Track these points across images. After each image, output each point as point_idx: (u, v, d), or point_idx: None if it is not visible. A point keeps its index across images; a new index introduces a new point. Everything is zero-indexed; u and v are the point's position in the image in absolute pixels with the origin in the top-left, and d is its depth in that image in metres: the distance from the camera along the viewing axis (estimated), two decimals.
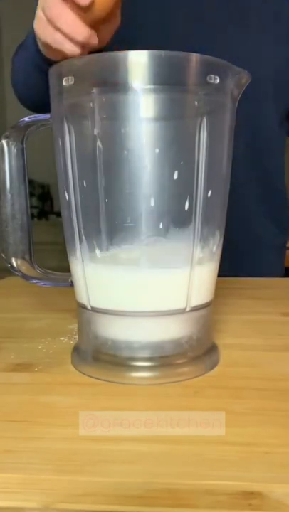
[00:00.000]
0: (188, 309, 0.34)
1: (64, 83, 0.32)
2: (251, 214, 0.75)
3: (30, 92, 0.62)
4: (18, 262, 0.38)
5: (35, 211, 3.02)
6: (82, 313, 0.36)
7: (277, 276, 0.77)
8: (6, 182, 0.37)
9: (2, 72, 3.01)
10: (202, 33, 0.66)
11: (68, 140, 0.33)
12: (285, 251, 0.84)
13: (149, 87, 0.30)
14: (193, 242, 0.33)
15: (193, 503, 0.22)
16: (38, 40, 0.43)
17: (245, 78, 0.34)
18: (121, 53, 0.30)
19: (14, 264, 0.38)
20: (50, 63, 0.38)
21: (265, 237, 0.76)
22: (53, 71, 0.33)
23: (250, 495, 0.22)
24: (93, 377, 0.33)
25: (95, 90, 0.31)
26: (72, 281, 0.37)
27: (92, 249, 0.33)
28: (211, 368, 0.35)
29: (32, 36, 0.47)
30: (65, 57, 0.37)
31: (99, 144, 0.31)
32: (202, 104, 0.31)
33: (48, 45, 0.39)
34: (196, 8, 0.67)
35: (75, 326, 0.44)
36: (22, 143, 0.37)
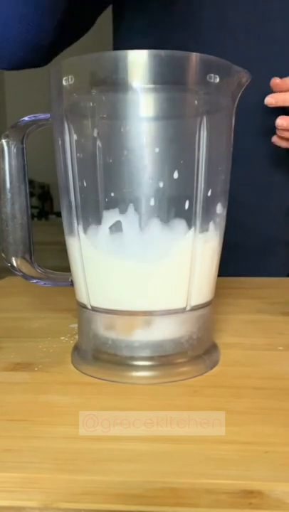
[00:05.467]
0: (188, 308, 0.34)
1: (64, 83, 0.32)
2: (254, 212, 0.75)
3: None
4: (19, 262, 0.38)
5: (35, 211, 3.02)
6: (82, 312, 0.36)
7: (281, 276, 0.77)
8: (6, 181, 0.37)
9: (2, 72, 3.01)
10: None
11: (68, 140, 0.33)
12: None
13: (149, 86, 0.30)
14: (194, 242, 0.33)
15: (193, 502, 0.22)
16: None
17: (245, 77, 0.34)
18: (121, 53, 0.30)
19: (14, 263, 0.38)
20: None
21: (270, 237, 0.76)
22: (53, 71, 0.33)
23: (250, 494, 0.22)
24: (93, 377, 0.33)
25: (94, 90, 0.31)
26: (72, 281, 0.37)
27: (91, 247, 0.33)
28: (212, 368, 0.35)
29: None
30: None
31: (99, 143, 0.31)
32: (202, 104, 0.31)
33: None
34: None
35: (75, 326, 0.44)
36: (22, 142, 0.37)
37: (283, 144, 0.63)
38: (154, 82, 0.30)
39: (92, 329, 0.34)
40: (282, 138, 0.62)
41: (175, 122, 0.31)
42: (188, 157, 0.31)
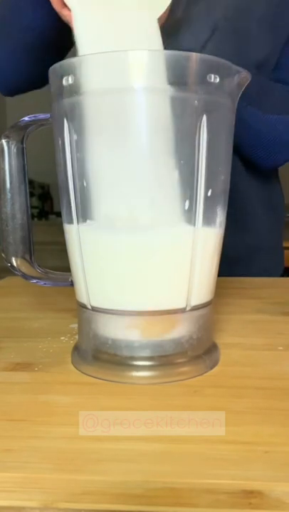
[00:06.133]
0: (188, 309, 0.34)
1: (64, 83, 0.32)
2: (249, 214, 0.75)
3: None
4: (18, 262, 0.38)
5: (35, 211, 3.02)
6: (82, 312, 0.36)
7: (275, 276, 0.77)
8: (6, 181, 0.37)
9: None
10: None
11: (68, 140, 0.33)
12: (283, 253, 0.84)
13: (148, 86, 0.30)
14: (193, 242, 0.33)
15: (193, 502, 0.22)
16: None
17: (245, 77, 0.34)
18: (121, 52, 0.30)
19: (14, 263, 0.38)
20: None
21: (263, 238, 0.77)
22: (53, 71, 0.33)
23: (250, 494, 0.22)
24: (93, 377, 0.33)
25: (94, 90, 0.31)
26: (72, 281, 0.37)
27: (91, 248, 0.33)
28: (212, 368, 0.35)
29: None
30: None
31: (99, 143, 0.31)
32: (202, 104, 0.31)
33: None
34: None
35: (75, 326, 0.44)
36: (22, 142, 0.37)
37: None
38: (154, 82, 0.30)
39: (92, 329, 0.34)
40: None
41: (175, 122, 0.31)
42: (188, 157, 0.31)
